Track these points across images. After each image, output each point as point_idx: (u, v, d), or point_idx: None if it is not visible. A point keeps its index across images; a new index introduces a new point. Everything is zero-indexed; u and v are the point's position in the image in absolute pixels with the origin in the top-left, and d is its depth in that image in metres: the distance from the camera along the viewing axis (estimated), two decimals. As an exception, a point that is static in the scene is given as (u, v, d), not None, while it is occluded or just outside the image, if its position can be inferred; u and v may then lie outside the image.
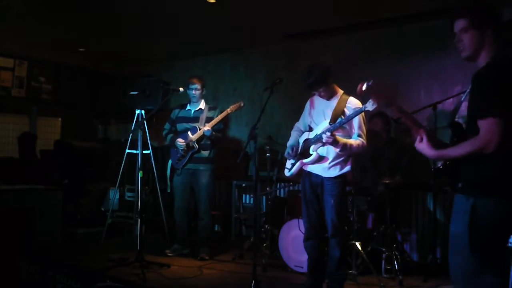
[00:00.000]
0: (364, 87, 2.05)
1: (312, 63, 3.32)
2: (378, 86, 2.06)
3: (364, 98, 2.27)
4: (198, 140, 4.54)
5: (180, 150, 4.58)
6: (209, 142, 4.59)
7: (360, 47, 5.18)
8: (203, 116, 4.64)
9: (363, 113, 3.31)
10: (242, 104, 4.49)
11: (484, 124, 1.78)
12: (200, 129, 4.52)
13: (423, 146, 1.98)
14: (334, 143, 3.12)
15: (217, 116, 4.57)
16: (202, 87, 4.71)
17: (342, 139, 3.16)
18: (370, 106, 2.90)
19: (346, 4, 4.38)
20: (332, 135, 3.09)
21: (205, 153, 4.60)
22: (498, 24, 1.95)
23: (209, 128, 4.45)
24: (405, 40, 4.88)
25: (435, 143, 1.99)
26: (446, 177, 2.19)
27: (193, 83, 4.66)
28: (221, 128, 4.71)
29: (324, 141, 3.13)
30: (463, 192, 1.90)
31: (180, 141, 4.55)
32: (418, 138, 2.00)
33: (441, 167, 2.10)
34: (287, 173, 3.51)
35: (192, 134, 4.54)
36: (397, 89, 2.06)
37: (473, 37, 1.93)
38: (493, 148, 1.76)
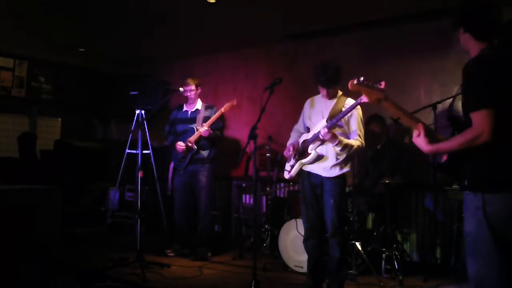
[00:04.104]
0: (355, 82, 2.05)
1: (325, 60, 3.34)
2: (370, 82, 2.05)
3: (356, 94, 2.26)
4: (197, 141, 4.55)
5: (180, 153, 4.60)
6: (207, 142, 4.61)
7: (359, 47, 5.17)
8: (200, 116, 4.66)
9: (361, 114, 3.32)
10: (235, 103, 4.51)
11: (475, 116, 1.79)
12: (197, 130, 4.53)
13: (419, 140, 1.99)
14: (332, 139, 3.12)
15: (214, 115, 4.59)
16: (197, 87, 4.72)
17: (341, 138, 3.17)
18: (365, 97, 2.90)
19: (346, 4, 4.37)
20: (330, 132, 3.09)
21: (205, 153, 4.61)
22: (470, 21, 1.99)
23: (207, 128, 4.46)
24: (405, 40, 4.88)
25: (433, 138, 1.98)
26: (449, 173, 2.18)
27: (187, 84, 4.69)
28: (220, 126, 4.73)
29: (321, 136, 3.14)
30: (470, 189, 1.89)
31: (180, 145, 4.56)
32: (416, 132, 2.01)
33: (446, 162, 2.09)
34: (286, 175, 3.51)
35: (191, 136, 4.56)
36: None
37: (458, 34, 2.07)
38: (485, 139, 1.76)
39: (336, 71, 3.25)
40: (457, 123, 2.11)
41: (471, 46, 2.00)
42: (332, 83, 3.27)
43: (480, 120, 1.78)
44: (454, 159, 2.05)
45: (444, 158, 2.14)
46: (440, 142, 1.97)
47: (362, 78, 2.04)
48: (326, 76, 3.23)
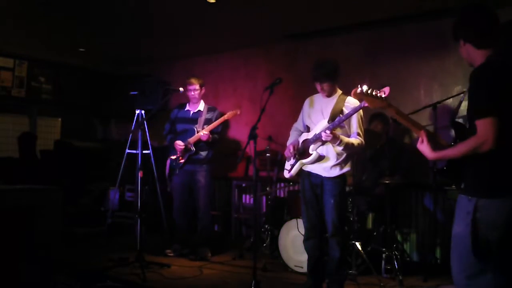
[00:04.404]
0: (358, 91, 2.04)
1: (323, 57, 3.34)
2: (373, 90, 2.05)
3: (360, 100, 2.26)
4: (195, 143, 4.55)
5: (178, 152, 4.60)
6: (205, 144, 4.60)
7: (360, 47, 5.17)
8: (202, 118, 4.65)
9: (361, 113, 3.32)
10: (238, 112, 4.52)
11: (480, 124, 1.81)
12: (197, 132, 4.53)
13: (423, 147, 2.01)
14: (334, 140, 3.12)
15: (215, 118, 4.58)
16: (201, 87, 4.71)
17: (342, 136, 3.17)
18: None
19: (346, 4, 4.37)
20: (332, 133, 3.10)
21: (203, 153, 4.61)
22: (468, 32, 2.00)
23: (206, 133, 4.45)
24: (405, 40, 4.88)
25: (436, 143, 2.00)
26: (449, 178, 2.19)
27: (191, 84, 4.66)
28: (219, 131, 4.72)
29: (323, 139, 3.14)
30: (466, 193, 1.91)
31: (179, 144, 4.56)
32: (420, 139, 2.02)
33: (444, 168, 2.11)
34: (286, 174, 3.51)
35: (191, 137, 4.55)
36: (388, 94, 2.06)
37: (459, 46, 2.07)
38: (489, 147, 1.77)
39: (332, 67, 3.25)
40: (459, 129, 2.12)
41: (475, 56, 2.00)
42: (326, 78, 3.25)
43: (484, 128, 1.79)
44: (453, 165, 2.06)
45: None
46: (444, 148, 1.98)
47: (365, 87, 2.03)
48: (320, 71, 3.24)
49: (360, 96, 2.06)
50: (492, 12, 1.98)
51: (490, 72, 1.86)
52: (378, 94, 2.06)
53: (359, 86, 2.04)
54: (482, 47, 1.97)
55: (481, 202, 1.83)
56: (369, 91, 2.03)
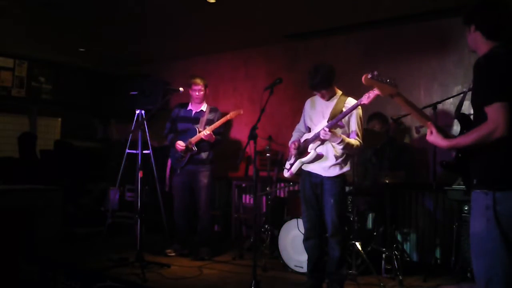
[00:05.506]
0: (369, 76, 2.05)
1: (317, 63, 3.34)
2: (383, 77, 2.06)
3: (368, 87, 2.26)
4: (197, 143, 4.54)
5: (179, 152, 4.59)
6: (207, 144, 4.59)
7: (360, 47, 5.17)
8: (204, 119, 4.64)
9: (361, 115, 3.33)
10: (241, 112, 4.52)
11: (491, 110, 1.79)
12: (199, 132, 4.52)
13: (433, 138, 2.00)
14: (334, 138, 3.13)
15: (217, 118, 4.58)
16: (205, 87, 4.71)
17: (344, 136, 3.19)
18: (365, 99, 2.95)
19: (346, 4, 4.38)
20: (331, 131, 3.10)
21: (204, 154, 4.61)
22: (483, 20, 1.99)
23: (209, 133, 4.45)
24: (405, 40, 4.88)
25: (445, 135, 2.00)
26: (457, 172, 2.18)
27: (197, 84, 4.65)
28: (221, 131, 4.72)
29: (321, 136, 3.15)
30: (481, 187, 1.88)
31: (180, 144, 4.55)
32: (428, 131, 2.02)
33: (455, 161, 2.09)
34: (286, 173, 3.52)
35: (192, 137, 4.54)
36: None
37: (467, 32, 2.06)
38: (501, 133, 1.76)
39: (326, 74, 3.24)
40: (466, 122, 2.12)
41: (480, 45, 1.99)
42: (322, 86, 3.27)
43: (494, 113, 1.78)
44: (462, 158, 2.04)
45: (453, 155, 2.12)
46: (456, 138, 1.98)
47: (376, 73, 2.04)
48: (315, 80, 3.24)
49: (370, 82, 2.06)
50: (509, 7, 1.98)
51: (498, 60, 1.85)
52: (388, 80, 2.06)
53: (370, 71, 2.05)
54: (491, 38, 1.96)
55: (498, 195, 1.80)
56: (379, 77, 2.04)
